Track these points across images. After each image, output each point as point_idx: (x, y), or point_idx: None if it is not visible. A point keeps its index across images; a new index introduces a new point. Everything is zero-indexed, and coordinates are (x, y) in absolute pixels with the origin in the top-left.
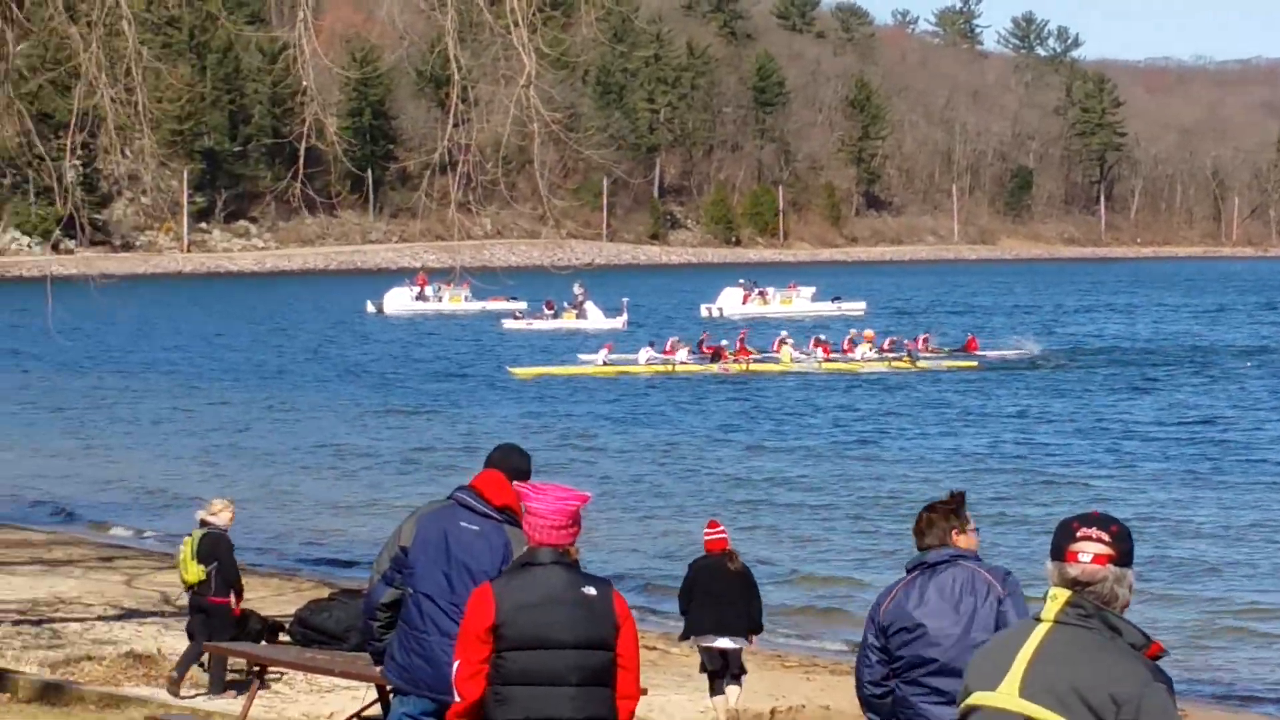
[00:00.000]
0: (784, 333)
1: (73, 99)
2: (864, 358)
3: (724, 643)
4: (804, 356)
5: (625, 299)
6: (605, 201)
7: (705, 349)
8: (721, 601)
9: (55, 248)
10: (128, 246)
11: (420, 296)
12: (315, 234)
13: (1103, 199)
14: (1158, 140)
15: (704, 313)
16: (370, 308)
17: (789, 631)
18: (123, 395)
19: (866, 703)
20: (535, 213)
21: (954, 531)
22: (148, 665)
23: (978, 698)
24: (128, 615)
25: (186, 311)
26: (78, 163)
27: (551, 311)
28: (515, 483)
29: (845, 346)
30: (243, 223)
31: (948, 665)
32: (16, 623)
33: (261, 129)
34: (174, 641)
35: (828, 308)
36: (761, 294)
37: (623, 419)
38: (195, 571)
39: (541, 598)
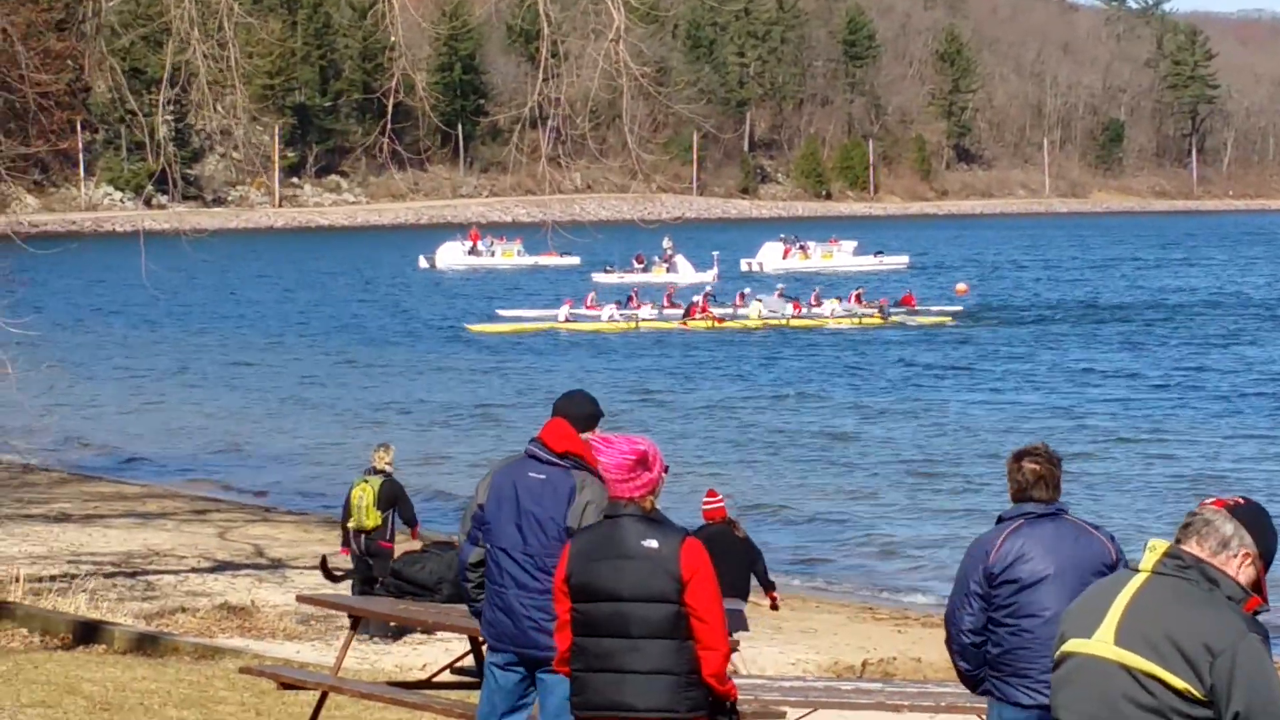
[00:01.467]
0: (748, 288)
1: (165, 55)
2: (833, 314)
3: (732, 604)
4: (772, 312)
5: (716, 253)
6: (695, 156)
7: (680, 305)
8: (724, 566)
9: (148, 203)
10: (219, 201)
11: (473, 251)
12: (406, 188)
13: (1194, 152)
14: (1250, 93)
15: (744, 267)
16: (423, 262)
17: (878, 585)
18: (207, 349)
19: (961, 652)
20: (625, 167)
21: (1058, 483)
22: (241, 617)
23: (1073, 645)
24: (221, 567)
25: (272, 266)
26: (170, 118)
27: (641, 266)
28: (589, 433)
29: (812, 301)
30: (334, 177)
31: (1052, 618)
32: (111, 575)
33: (352, 84)
34: (267, 594)
35: (869, 262)
36: (803, 248)
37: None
38: (375, 517)
39: (607, 551)
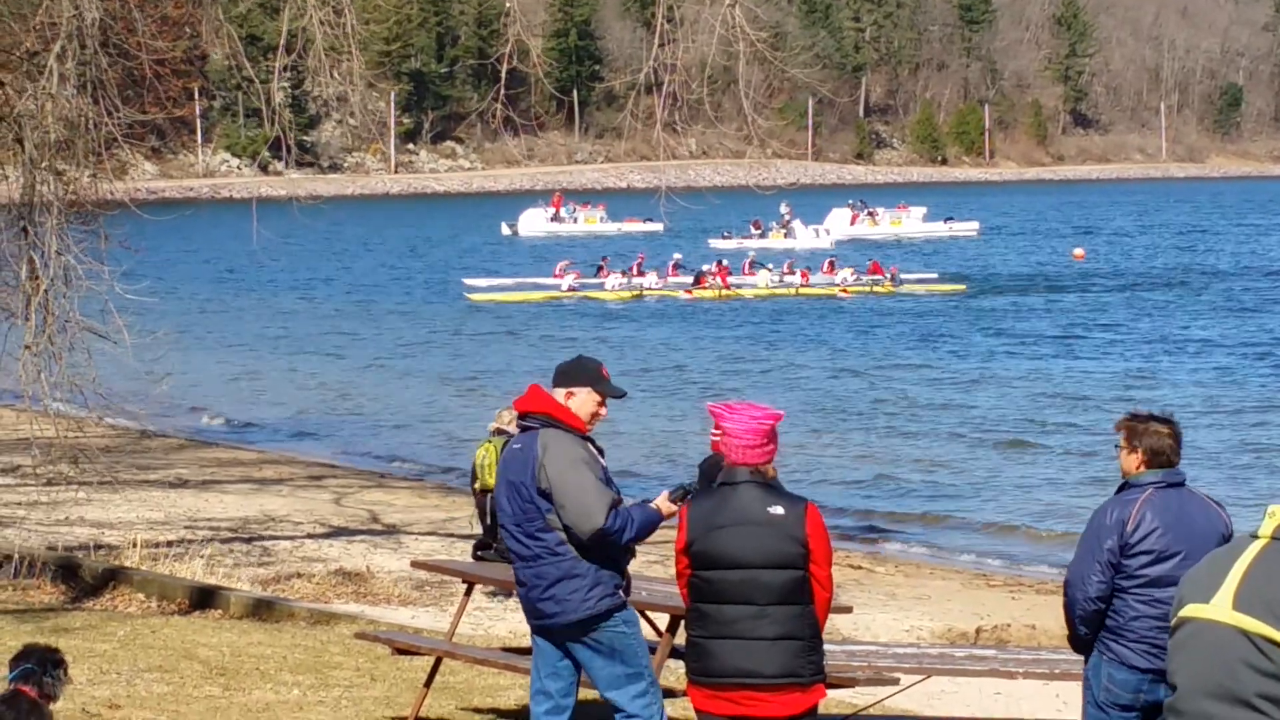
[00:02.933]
0: (752, 254)
1: (281, 21)
2: (844, 283)
3: None
4: (777, 280)
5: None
6: (811, 121)
7: (682, 273)
8: None
9: (264, 169)
10: (335, 168)
11: (555, 218)
12: (521, 154)
13: None
14: None
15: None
16: (505, 229)
17: (994, 553)
18: (319, 315)
19: (1083, 616)
20: (740, 133)
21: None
22: (356, 582)
23: (1191, 609)
24: (336, 533)
25: (378, 232)
26: (286, 85)
27: (759, 231)
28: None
29: (825, 269)
30: (449, 143)
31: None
32: (228, 540)
33: (468, 50)
34: (382, 559)
35: (939, 228)
36: (871, 214)
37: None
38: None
39: (730, 518)
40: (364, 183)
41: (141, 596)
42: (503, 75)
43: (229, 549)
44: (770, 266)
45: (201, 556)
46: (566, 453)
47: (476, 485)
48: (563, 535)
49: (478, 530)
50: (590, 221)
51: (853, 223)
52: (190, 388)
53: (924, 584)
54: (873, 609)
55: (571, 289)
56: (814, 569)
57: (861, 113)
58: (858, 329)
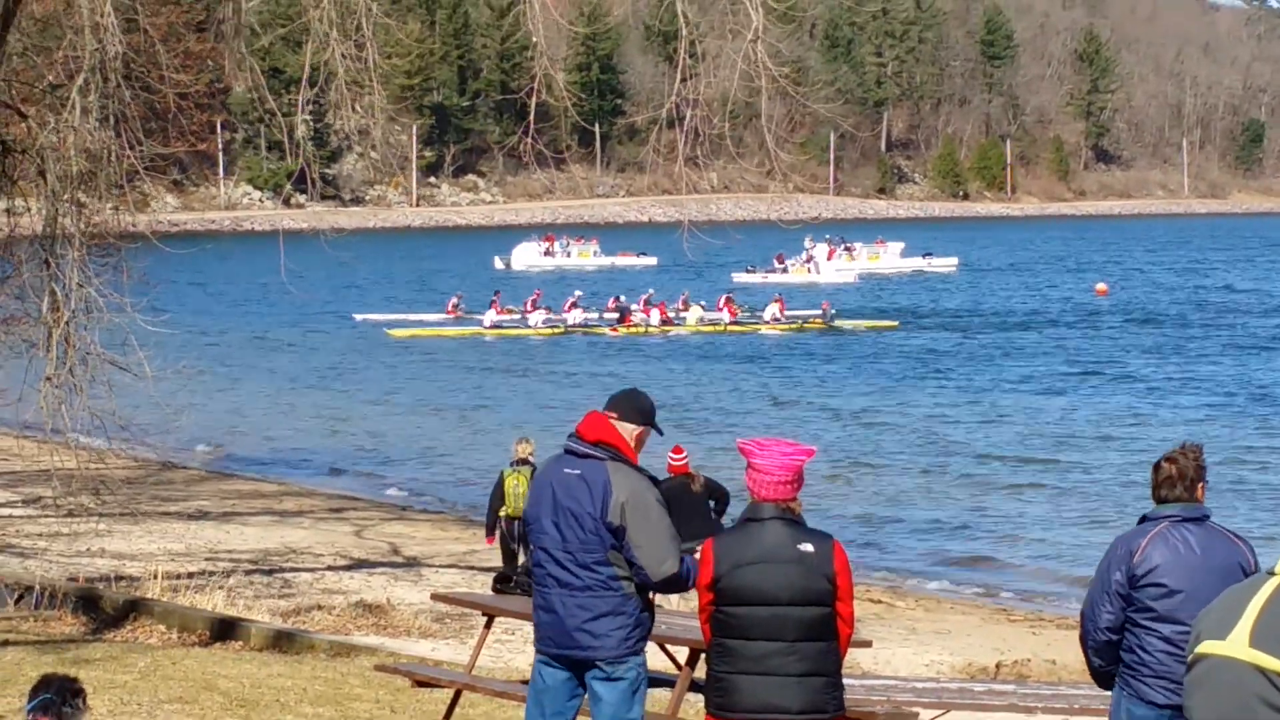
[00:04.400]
0: (686, 292)
1: (304, 55)
2: (773, 319)
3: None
4: (710, 316)
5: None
6: (832, 155)
7: (612, 309)
8: (684, 518)
9: (286, 202)
10: (357, 201)
11: (548, 253)
12: (543, 188)
13: None
14: None
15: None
16: (499, 263)
17: (1014, 588)
18: (338, 348)
19: (1096, 648)
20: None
21: (1201, 486)
22: (377, 615)
23: (1207, 646)
24: (357, 565)
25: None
26: (308, 118)
27: (782, 266)
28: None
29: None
30: (471, 177)
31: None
32: (249, 572)
33: (490, 84)
34: (403, 592)
35: (917, 263)
36: (848, 249)
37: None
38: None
39: (759, 554)
40: (385, 216)
41: (162, 628)
42: (531, 107)
43: (250, 581)
44: (703, 304)
45: (222, 588)
46: (646, 493)
47: (504, 512)
48: (620, 571)
49: (498, 564)
50: (584, 255)
51: (829, 257)
52: (211, 419)
53: (944, 619)
54: (893, 643)
55: (494, 325)
56: (839, 605)
57: (883, 147)
58: (853, 362)
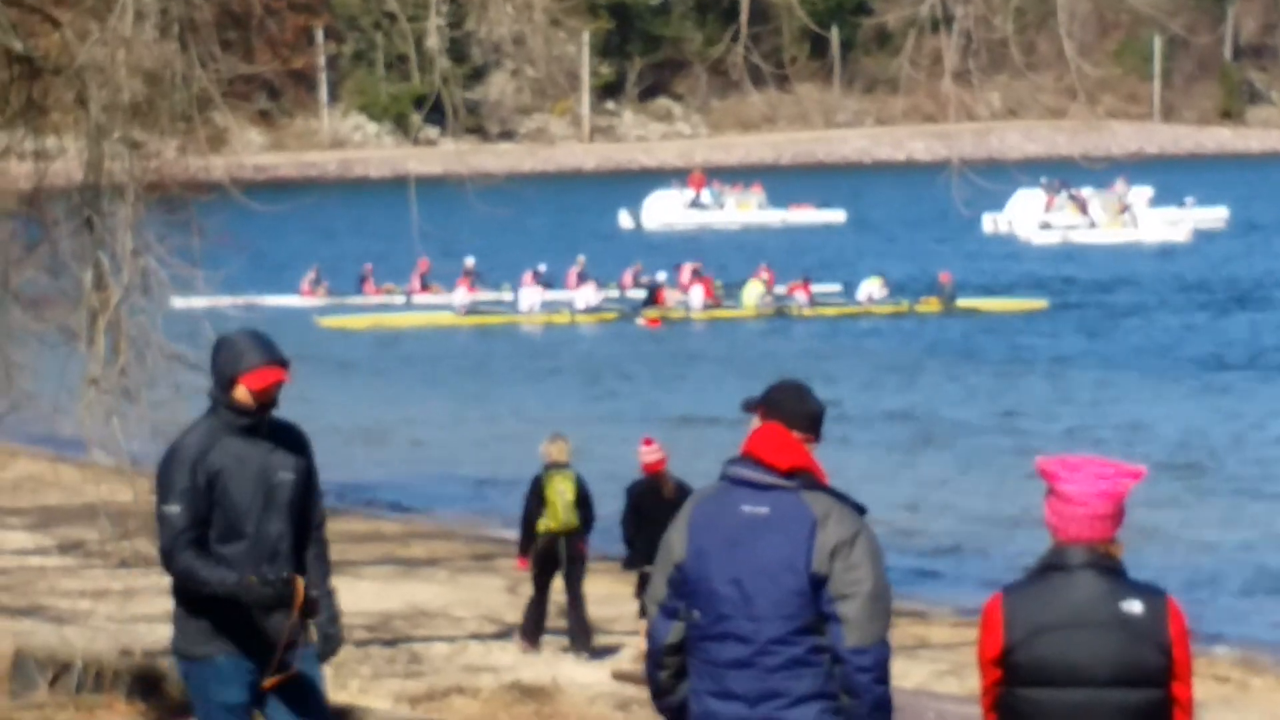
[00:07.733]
0: (764, 262)
1: None
2: (870, 300)
3: None
4: (771, 300)
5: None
6: (1158, 68)
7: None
8: (657, 527)
9: (413, 139)
10: (508, 135)
11: (695, 203)
12: (761, 116)
13: None
14: None
15: (987, 226)
16: (625, 220)
17: None
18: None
19: None
20: (1060, 84)
21: None
22: (538, 700)
23: None
24: (510, 633)
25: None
26: (442, 22)
27: (1086, 218)
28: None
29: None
30: (663, 101)
31: None
32: (365, 643)
33: None
34: (573, 669)
35: (1172, 215)
36: (1073, 197)
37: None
38: (576, 517)
39: (1066, 616)
40: (547, 155)
41: None
42: (745, 4)
43: (365, 654)
44: (766, 276)
45: (329, 664)
46: (863, 535)
47: (549, 524)
48: (823, 641)
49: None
50: (744, 208)
51: (1048, 208)
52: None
53: None
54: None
55: (470, 312)
56: (1176, 687)
57: (1229, 56)
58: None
